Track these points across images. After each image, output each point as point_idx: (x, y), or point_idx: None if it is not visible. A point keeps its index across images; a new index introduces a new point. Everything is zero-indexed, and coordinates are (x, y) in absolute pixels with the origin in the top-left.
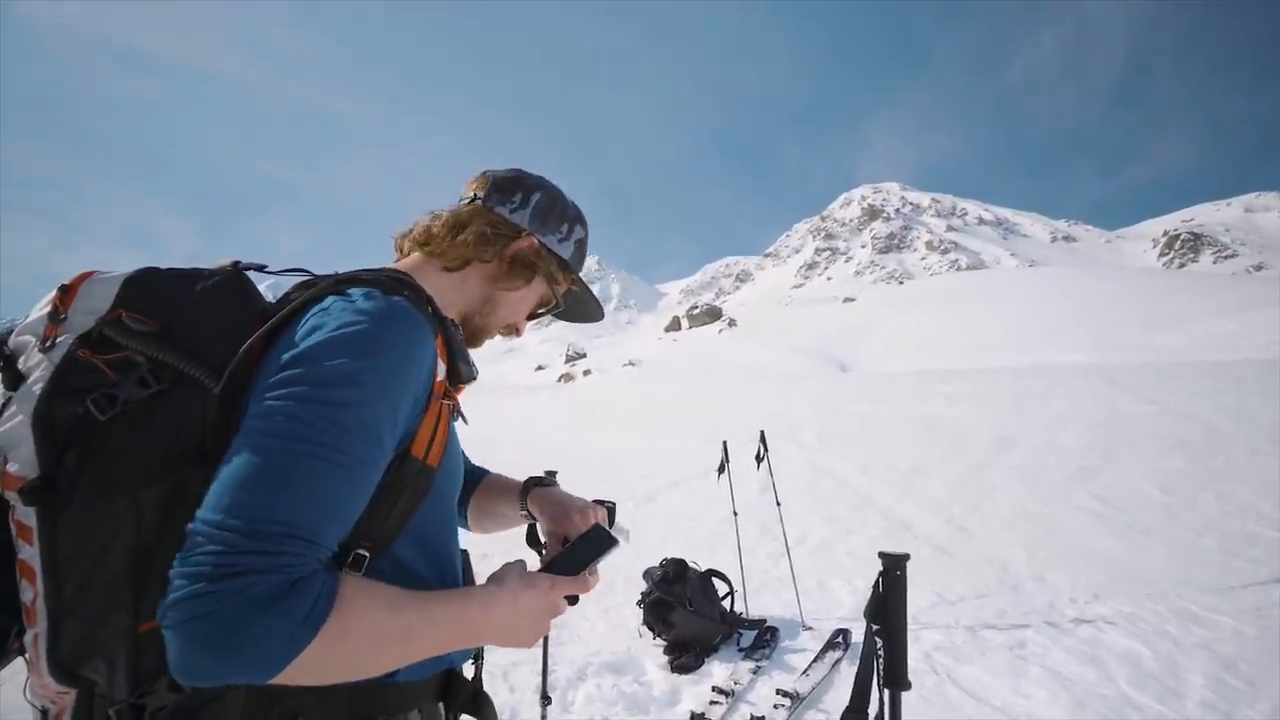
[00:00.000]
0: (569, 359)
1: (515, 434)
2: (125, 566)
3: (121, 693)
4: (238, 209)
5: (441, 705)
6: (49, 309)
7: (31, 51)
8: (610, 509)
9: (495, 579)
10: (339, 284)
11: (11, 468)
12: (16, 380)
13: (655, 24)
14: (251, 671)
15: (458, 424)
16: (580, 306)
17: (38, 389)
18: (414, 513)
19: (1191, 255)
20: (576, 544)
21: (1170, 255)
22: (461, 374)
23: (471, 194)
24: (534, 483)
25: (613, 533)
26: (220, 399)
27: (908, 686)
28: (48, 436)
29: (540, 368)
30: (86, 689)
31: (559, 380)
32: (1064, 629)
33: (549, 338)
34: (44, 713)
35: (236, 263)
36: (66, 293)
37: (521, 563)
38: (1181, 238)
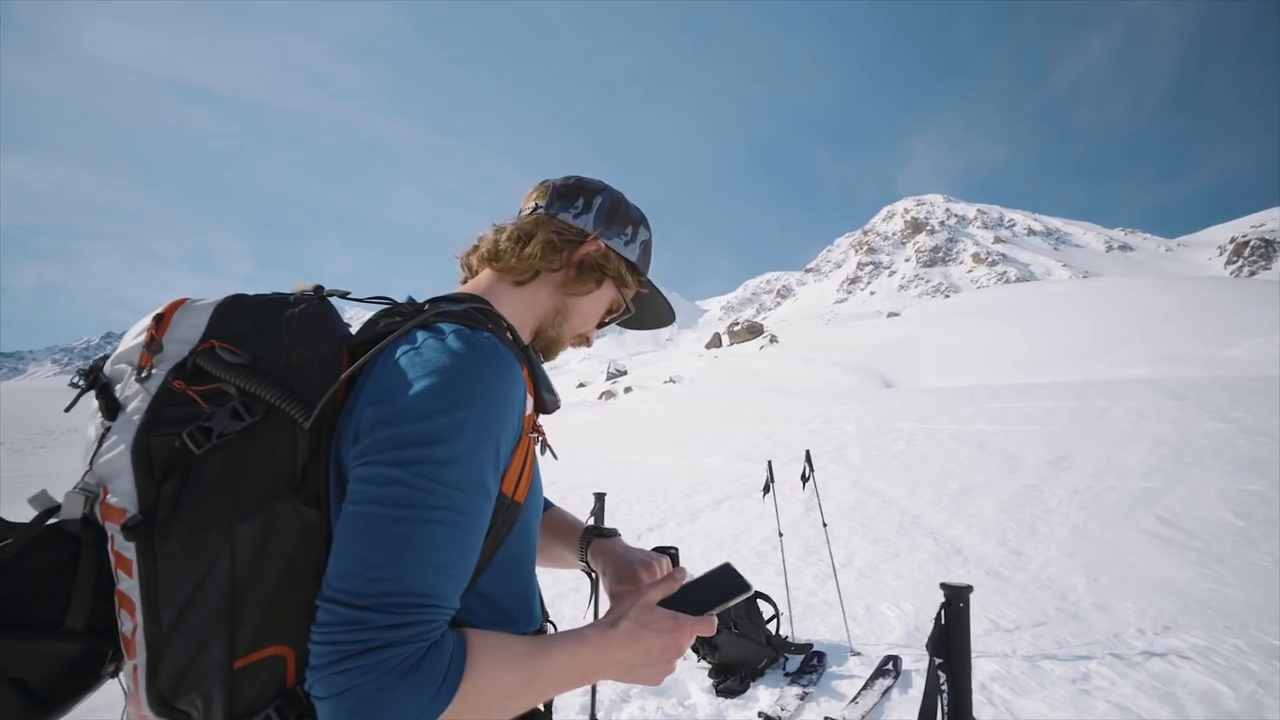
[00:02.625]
0: (610, 376)
1: (558, 450)
2: (220, 601)
3: None
4: (290, 232)
5: None
6: (144, 338)
7: (105, 87)
8: (674, 555)
9: (611, 615)
10: (427, 319)
11: (111, 499)
12: (114, 409)
13: (693, 42)
14: None
15: (544, 456)
16: (651, 311)
17: (136, 420)
18: (499, 549)
19: (1263, 262)
20: (704, 581)
21: (1239, 263)
22: (547, 404)
23: (533, 204)
24: (594, 533)
25: (746, 578)
26: (311, 433)
27: None
28: (147, 469)
29: (582, 385)
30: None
31: (600, 397)
32: (1131, 662)
33: (590, 355)
34: None
35: (319, 288)
36: (161, 321)
37: (640, 597)
38: (1251, 244)
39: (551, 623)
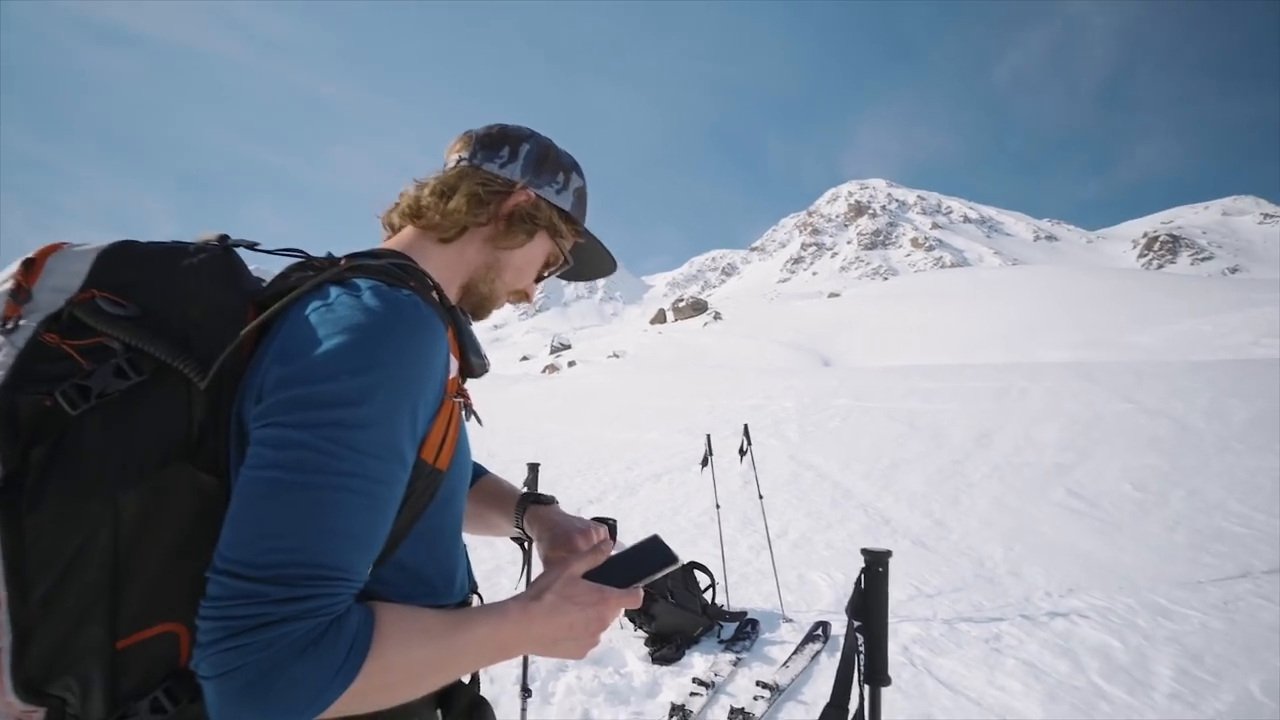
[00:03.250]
0: (554, 350)
1: (499, 424)
2: (101, 576)
3: (97, 713)
4: (220, 192)
5: (439, 712)
6: (10, 285)
7: (5, 23)
8: (612, 526)
9: (534, 590)
10: (342, 273)
11: None
12: None
13: (644, 16)
14: (295, 716)
15: (470, 423)
16: (591, 261)
17: (1, 375)
18: (419, 518)
19: (1170, 257)
20: (631, 554)
21: (1149, 256)
22: (474, 367)
23: (456, 156)
24: (532, 499)
25: (674, 551)
26: (208, 394)
27: (888, 682)
28: (9, 431)
29: (525, 358)
30: (56, 708)
31: (544, 371)
32: (1038, 622)
33: (534, 328)
34: None
35: (224, 237)
36: (31, 267)
37: (564, 569)
38: (1160, 239)
39: (478, 594)
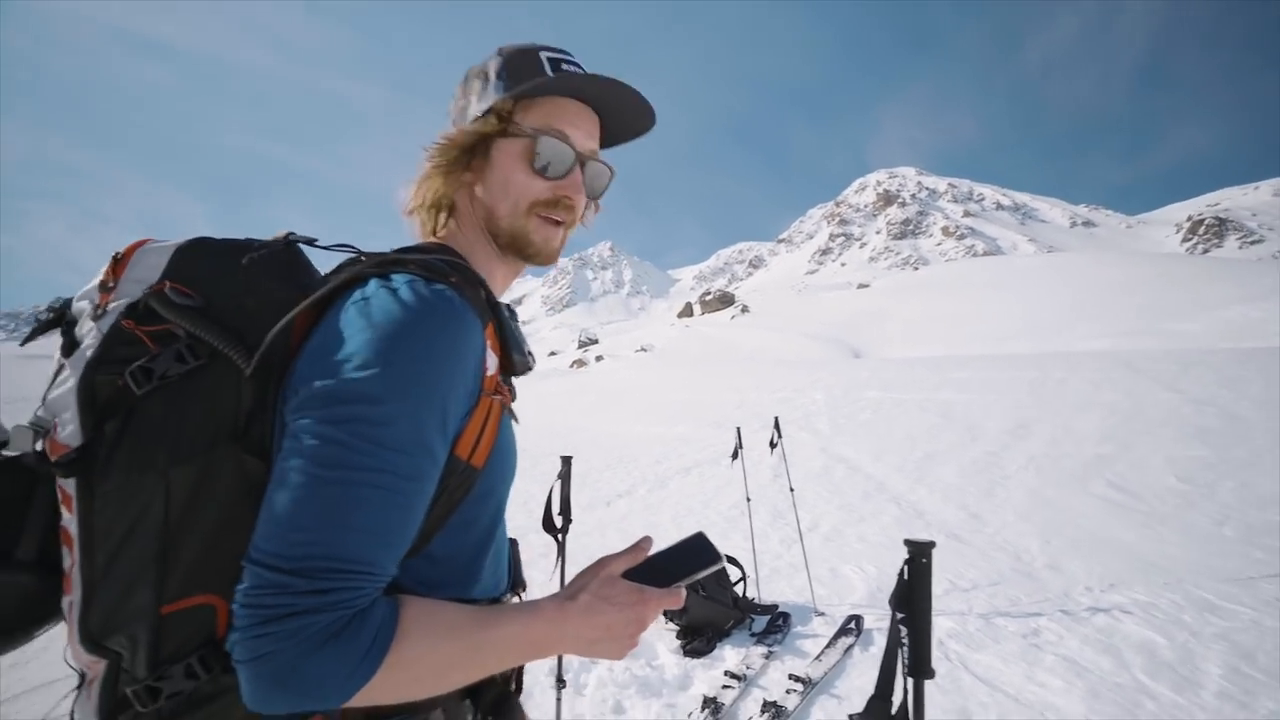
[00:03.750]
0: (581, 345)
1: (529, 419)
2: (152, 544)
3: (141, 672)
4: (249, 194)
5: (469, 701)
6: (101, 278)
7: (47, 41)
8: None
9: (571, 588)
10: (383, 265)
11: (59, 435)
12: (71, 347)
13: (666, 8)
14: (319, 704)
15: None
16: (614, 107)
17: (86, 356)
18: (453, 513)
19: (1216, 240)
20: (673, 552)
21: (1194, 240)
22: (516, 364)
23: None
24: None
25: (717, 549)
26: (255, 381)
27: (932, 675)
28: (88, 406)
29: (553, 353)
30: (114, 663)
31: (571, 366)
32: (1079, 617)
33: (561, 324)
34: (81, 677)
35: (290, 234)
36: (119, 261)
37: (602, 568)
38: (1206, 222)
39: (519, 593)
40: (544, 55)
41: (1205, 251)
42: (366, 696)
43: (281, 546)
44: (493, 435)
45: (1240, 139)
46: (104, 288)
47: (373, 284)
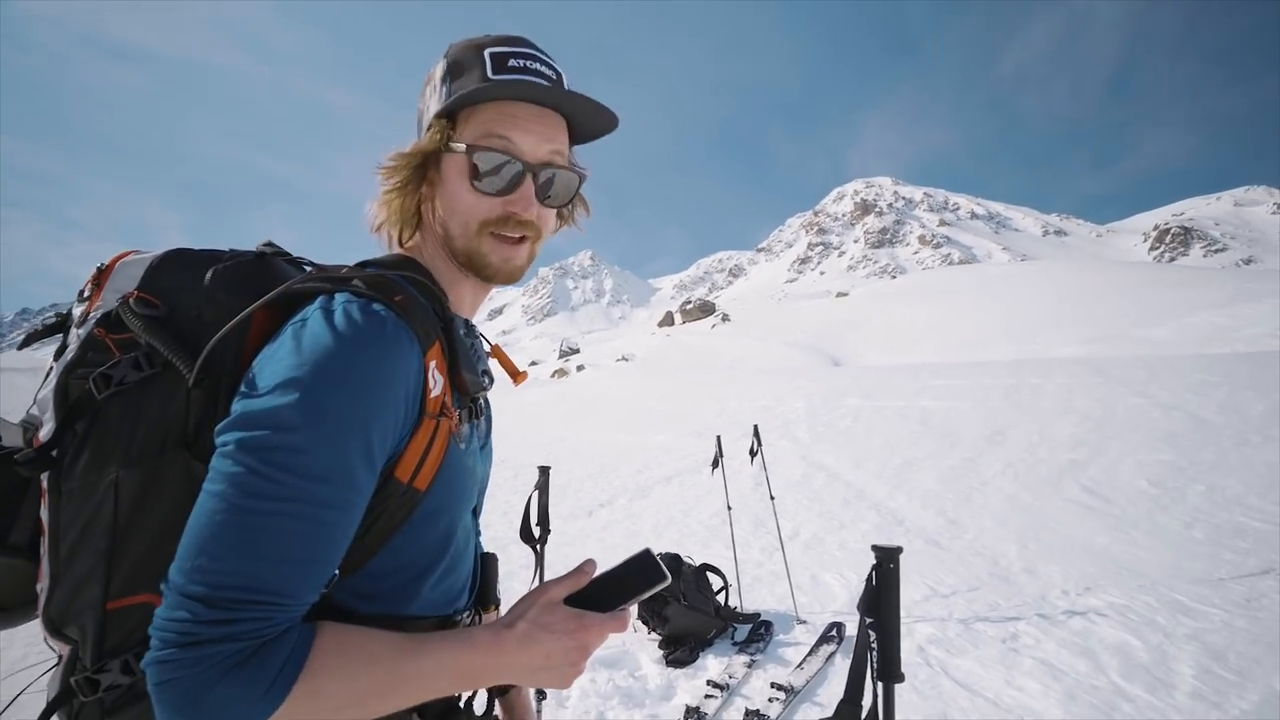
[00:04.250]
0: (562, 354)
1: (510, 429)
2: (102, 542)
3: (87, 662)
4: (228, 203)
5: (415, 715)
6: (86, 288)
7: (20, 44)
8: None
9: (509, 616)
10: (330, 281)
11: (41, 432)
12: (61, 351)
13: (648, 16)
14: None
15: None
16: (578, 113)
17: (66, 359)
18: (394, 534)
19: (1182, 249)
20: (618, 572)
21: (1161, 249)
22: (467, 384)
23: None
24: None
25: (664, 567)
26: (201, 390)
27: (901, 679)
28: (60, 406)
29: (534, 363)
30: (73, 650)
31: (552, 375)
32: (1055, 621)
33: (542, 333)
34: (59, 657)
35: (270, 244)
36: (101, 273)
37: (542, 594)
38: (1172, 231)
39: (478, 611)
40: (488, 52)
41: (1172, 260)
42: None
43: (192, 573)
44: (439, 457)
45: (1204, 150)
46: (82, 298)
47: (315, 305)
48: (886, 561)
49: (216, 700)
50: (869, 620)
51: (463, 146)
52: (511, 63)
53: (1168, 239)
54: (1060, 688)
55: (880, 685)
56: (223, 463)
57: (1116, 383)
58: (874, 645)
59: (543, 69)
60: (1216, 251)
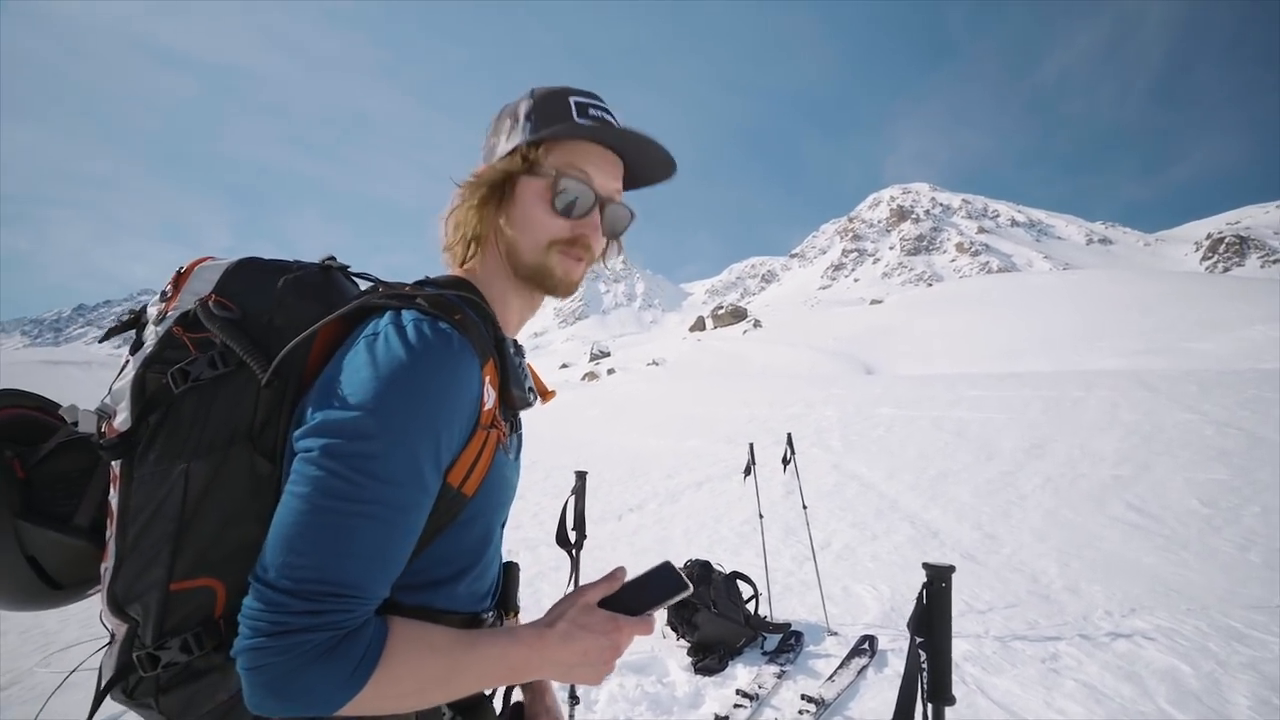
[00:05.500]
0: (593, 358)
1: (541, 432)
2: (170, 527)
3: (148, 639)
4: (268, 203)
5: (447, 708)
6: (165, 288)
7: (73, 51)
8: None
9: (549, 615)
10: (397, 299)
11: (115, 421)
12: (138, 346)
13: (681, 21)
14: (310, 712)
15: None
16: (636, 153)
17: (145, 354)
18: (440, 534)
19: (1237, 259)
20: (643, 581)
21: (1214, 259)
22: (514, 400)
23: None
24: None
25: (684, 577)
26: (271, 390)
27: (952, 701)
28: (138, 398)
29: (565, 366)
30: (132, 628)
31: (583, 379)
32: (1099, 642)
33: (573, 336)
34: (112, 636)
35: (331, 258)
36: (181, 276)
37: (580, 597)
38: (1226, 240)
39: (501, 612)
40: (573, 100)
41: (1226, 270)
42: (354, 708)
43: (282, 568)
44: (485, 466)
45: (1261, 156)
46: (164, 297)
47: (385, 319)
48: (938, 580)
49: (305, 684)
50: (919, 640)
51: (553, 172)
52: (591, 111)
53: (1221, 248)
54: (1104, 712)
55: (930, 707)
56: (306, 467)
57: (1164, 397)
58: (924, 666)
59: (612, 120)
60: (1275, 262)
